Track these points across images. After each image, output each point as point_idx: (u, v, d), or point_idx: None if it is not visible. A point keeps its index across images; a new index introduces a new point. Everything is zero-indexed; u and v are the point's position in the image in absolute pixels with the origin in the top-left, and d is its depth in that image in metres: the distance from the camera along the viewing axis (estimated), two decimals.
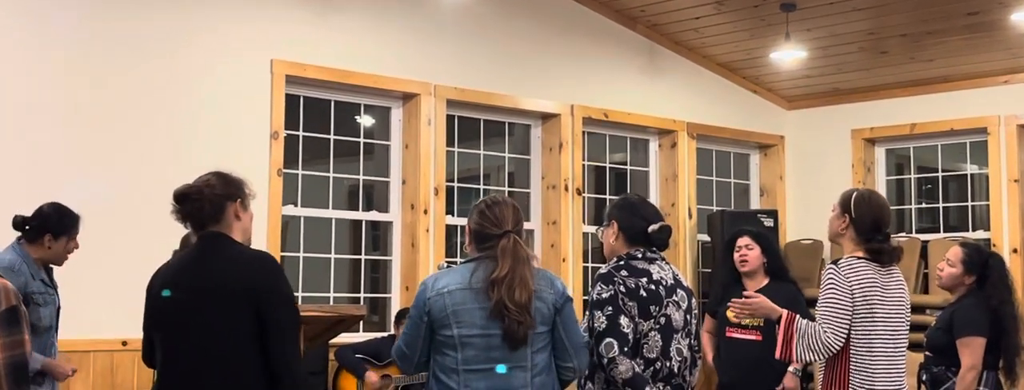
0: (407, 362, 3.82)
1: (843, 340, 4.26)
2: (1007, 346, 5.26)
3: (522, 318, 3.67)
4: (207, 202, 3.68)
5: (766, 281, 5.99)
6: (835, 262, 4.38)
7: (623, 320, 3.94)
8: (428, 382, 3.82)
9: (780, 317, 4.38)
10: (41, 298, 5.15)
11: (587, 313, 4.06)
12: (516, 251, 3.75)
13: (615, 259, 4.14)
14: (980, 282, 5.36)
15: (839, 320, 4.25)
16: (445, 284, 3.76)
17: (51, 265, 5.32)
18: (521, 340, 3.69)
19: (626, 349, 3.91)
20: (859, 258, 4.36)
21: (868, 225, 4.39)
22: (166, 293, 3.68)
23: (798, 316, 4.37)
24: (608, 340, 3.92)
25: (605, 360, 3.91)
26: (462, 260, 3.92)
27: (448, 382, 3.72)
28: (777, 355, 4.38)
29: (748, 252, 6.03)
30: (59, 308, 5.35)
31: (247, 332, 3.56)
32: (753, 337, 5.85)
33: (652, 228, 4.14)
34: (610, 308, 3.96)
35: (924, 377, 5.40)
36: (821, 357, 4.30)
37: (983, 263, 5.39)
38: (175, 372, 3.65)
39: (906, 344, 4.43)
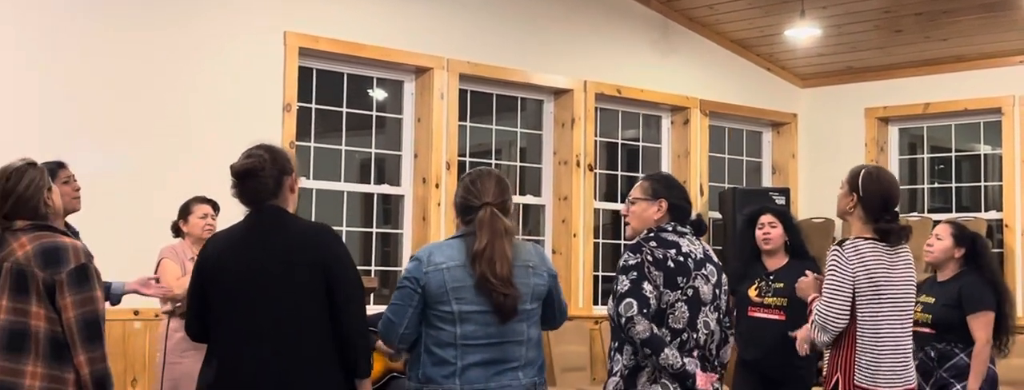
0: (392, 331, 3.79)
1: (842, 322, 4.25)
2: (1004, 319, 5.36)
3: (507, 290, 3.68)
4: (270, 179, 3.69)
5: (786, 259, 5.95)
6: (840, 243, 4.34)
7: (646, 285, 3.95)
8: (418, 355, 3.79)
9: (813, 299, 4.42)
10: None
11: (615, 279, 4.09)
12: (493, 223, 3.74)
13: (645, 231, 4.14)
14: (969, 258, 5.44)
15: (839, 302, 4.24)
16: (442, 259, 3.76)
17: (71, 213, 5.41)
18: (510, 312, 3.71)
19: (645, 311, 3.91)
20: (867, 239, 4.30)
21: (877, 204, 4.31)
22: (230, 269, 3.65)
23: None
24: (627, 300, 3.92)
25: (623, 319, 3.91)
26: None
27: (443, 355, 3.73)
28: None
29: (772, 230, 5.96)
30: None
31: (318, 302, 3.60)
32: (776, 316, 5.81)
33: (694, 216, 4.19)
34: (635, 273, 3.97)
35: (932, 353, 5.39)
36: (825, 337, 4.29)
37: (971, 238, 5.48)
38: (245, 348, 3.62)
39: (912, 324, 4.42)
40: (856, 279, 4.24)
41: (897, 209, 4.39)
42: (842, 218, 4.51)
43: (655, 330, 3.92)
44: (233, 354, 3.64)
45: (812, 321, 4.33)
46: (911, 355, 4.39)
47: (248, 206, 3.74)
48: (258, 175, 3.68)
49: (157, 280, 5.40)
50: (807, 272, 4.67)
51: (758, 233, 5.99)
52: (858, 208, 4.34)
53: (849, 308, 4.24)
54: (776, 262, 5.95)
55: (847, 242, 4.32)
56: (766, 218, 5.99)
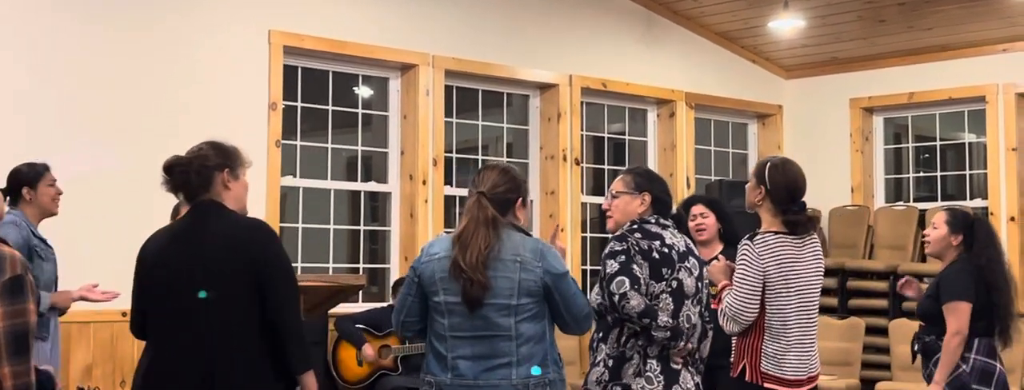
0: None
1: (752, 314, 4.32)
2: (999, 308, 5.17)
3: (475, 277, 3.63)
4: (194, 173, 3.70)
5: (720, 247, 5.87)
6: (751, 237, 4.39)
7: (635, 267, 3.96)
8: (426, 347, 3.87)
9: (723, 286, 4.46)
10: (44, 253, 5.31)
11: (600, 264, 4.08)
12: (474, 210, 3.73)
13: (629, 223, 4.15)
14: (967, 244, 5.28)
15: (749, 296, 4.30)
16: (437, 250, 3.78)
17: (48, 217, 5.45)
18: (475, 301, 3.66)
19: (636, 287, 3.91)
20: (775, 233, 4.37)
21: (783, 195, 4.40)
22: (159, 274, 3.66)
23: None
24: (619, 278, 3.93)
25: (615, 297, 3.90)
26: None
27: (439, 348, 3.77)
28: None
29: (704, 220, 5.84)
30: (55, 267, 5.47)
31: (247, 300, 3.58)
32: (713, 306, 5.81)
33: (676, 209, 4.22)
34: (622, 257, 4.00)
35: (915, 347, 5.38)
36: (735, 327, 4.36)
37: (969, 224, 5.31)
38: (174, 344, 3.64)
39: (817, 313, 4.49)
40: (766, 273, 4.32)
41: (804, 200, 4.45)
42: (752, 211, 4.56)
43: (648, 302, 3.94)
44: (164, 347, 3.66)
45: (721, 310, 4.38)
46: (816, 343, 4.46)
47: (186, 201, 3.77)
48: (177, 170, 3.71)
49: (97, 285, 5.35)
50: (720, 257, 4.69)
51: (691, 224, 5.83)
52: (766, 200, 4.42)
53: (759, 301, 4.32)
54: (710, 251, 5.83)
55: (757, 236, 4.40)
56: (698, 209, 5.84)
